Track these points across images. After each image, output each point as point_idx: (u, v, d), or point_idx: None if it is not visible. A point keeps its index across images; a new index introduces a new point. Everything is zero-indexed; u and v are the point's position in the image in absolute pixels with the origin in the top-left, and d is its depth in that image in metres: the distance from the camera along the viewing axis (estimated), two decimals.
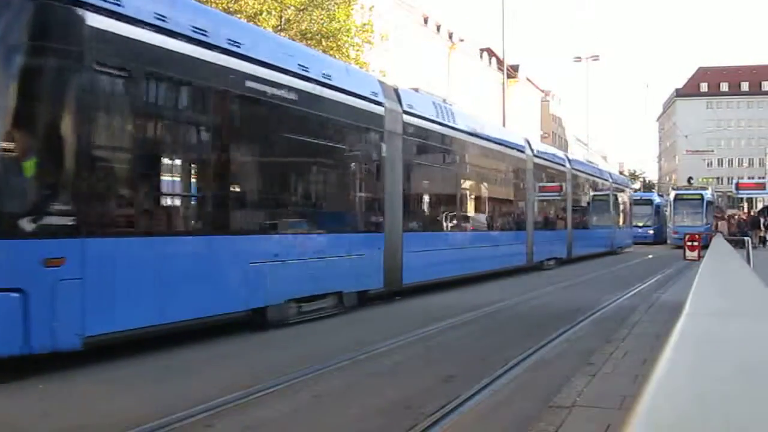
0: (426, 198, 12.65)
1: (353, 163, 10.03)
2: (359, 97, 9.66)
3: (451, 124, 12.79)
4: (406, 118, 10.99)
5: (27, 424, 4.39)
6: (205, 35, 6.85)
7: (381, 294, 10.15)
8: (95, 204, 5.86)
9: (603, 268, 18.77)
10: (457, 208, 13.56)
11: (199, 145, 7.39)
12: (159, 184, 6.76)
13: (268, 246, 7.79)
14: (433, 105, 12.38)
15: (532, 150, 17.63)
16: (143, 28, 6.17)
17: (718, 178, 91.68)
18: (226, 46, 7.11)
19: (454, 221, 13.32)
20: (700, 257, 15.73)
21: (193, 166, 7.33)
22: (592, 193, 24.15)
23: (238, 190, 7.80)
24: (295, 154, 8.62)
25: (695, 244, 18.51)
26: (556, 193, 19.76)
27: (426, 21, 50.57)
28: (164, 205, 6.95)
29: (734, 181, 34.59)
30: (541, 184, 18.52)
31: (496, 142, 15.27)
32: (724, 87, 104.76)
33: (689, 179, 40.90)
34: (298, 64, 8.32)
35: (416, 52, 42.84)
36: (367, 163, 10.26)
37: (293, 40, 16.27)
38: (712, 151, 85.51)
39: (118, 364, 5.86)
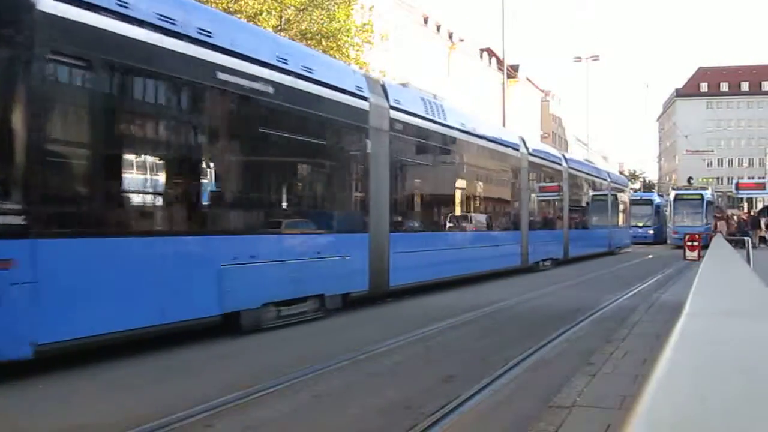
0: (415, 197, 12.31)
1: (335, 161, 9.58)
2: (342, 92, 9.27)
3: (441, 120, 12.39)
4: (393, 113, 10.63)
5: (27, 424, 4.39)
6: (171, 23, 6.49)
7: (370, 296, 9.84)
8: (48, 202, 5.51)
9: (602, 268, 18.74)
10: (448, 207, 13.30)
11: (165, 140, 6.97)
12: (120, 181, 6.36)
13: (242, 247, 7.40)
14: (422, 100, 12.01)
15: (526, 148, 17.24)
16: (103, 14, 5.81)
17: (718, 178, 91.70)
18: (195, 35, 6.76)
19: (444, 221, 13.05)
20: (700, 257, 15.75)
21: (157, 161, 6.89)
22: (589, 193, 23.85)
23: (207, 187, 7.42)
24: (271, 150, 8.28)
25: (695, 244, 18.53)
26: (552, 193, 19.49)
27: (426, 21, 50.58)
28: (125, 203, 6.55)
29: (734, 181, 34.64)
30: (536, 183, 18.23)
31: (489, 140, 14.88)
32: (724, 87, 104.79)
33: (689, 179, 40.91)
34: (276, 56, 7.96)
35: (416, 52, 42.84)
36: (350, 160, 9.94)
37: (293, 40, 16.27)
38: (712, 151, 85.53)
39: (118, 364, 5.86)
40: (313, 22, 18.97)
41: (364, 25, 19.82)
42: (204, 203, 7.36)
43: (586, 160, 29.51)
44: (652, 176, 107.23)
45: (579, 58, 49.66)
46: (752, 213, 31.67)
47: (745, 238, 16.26)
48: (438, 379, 5.46)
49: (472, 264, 13.30)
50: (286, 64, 8.06)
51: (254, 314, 7.45)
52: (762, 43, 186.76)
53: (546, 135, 69.66)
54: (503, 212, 16.38)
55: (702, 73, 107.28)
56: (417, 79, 20.70)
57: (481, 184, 14.90)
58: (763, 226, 27.51)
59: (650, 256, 25.20)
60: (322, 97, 8.80)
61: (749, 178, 55.80)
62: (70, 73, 5.83)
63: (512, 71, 52.84)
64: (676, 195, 32.81)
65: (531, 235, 16.68)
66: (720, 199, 51.97)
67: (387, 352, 6.61)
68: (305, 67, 8.47)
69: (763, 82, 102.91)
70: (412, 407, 4.57)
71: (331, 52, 18.03)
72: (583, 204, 23.28)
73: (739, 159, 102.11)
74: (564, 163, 20.67)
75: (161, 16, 6.41)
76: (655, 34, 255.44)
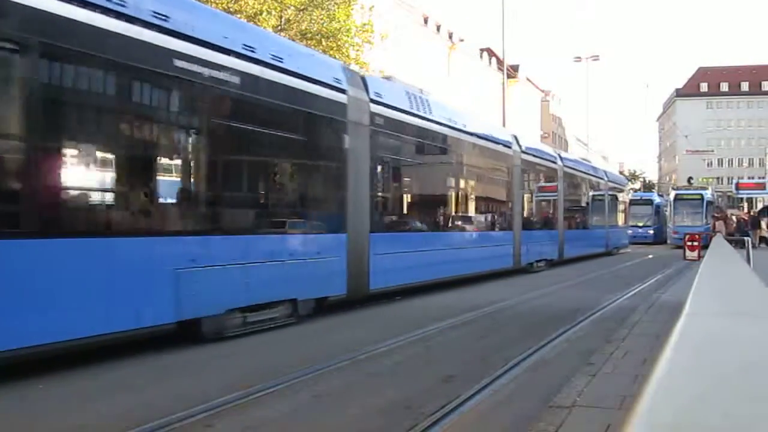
0: (398, 196, 11.80)
1: (309, 156, 8.97)
2: (317, 83, 8.71)
3: (427, 115, 11.83)
4: (374, 107, 10.09)
5: (27, 424, 4.39)
6: (122, 5, 5.95)
7: (349, 300, 9.33)
8: None
9: (601, 268, 18.71)
10: (434, 206, 12.85)
11: (114, 131, 6.40)
12: (54, 176, 5.68)
13: (202, 248, 6.83)
14: (406, 94, 11.46)
15: (519, 146, 16.69)
16: None
17: (718, 178, 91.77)
18: (149, 19, 6.21)
19: (430, 221, 12.62)
20: (700, 257, 15.75)
21: (103, 156, 6.33)
22: (585, 192, 23.39)
23: (159, 184, 6.85)
24: (236, 145, 7.80)
25: (695, 244, 18.53)
26: (547, 192, 19.04)
27: (426, 21, 50.61)
28: (60, 201, 5.75)
29: (734, 181, 34.65)
30: (530, 182, 17.79)
31: (479, 137, 14.30)
32: (724, 87, 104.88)
33: (689, 179, 40.99)
34: (243, 44, 7.45)
35: (416, 52, 42.87)
36: (326, 156, 9.36)
37: (293, 40, 16.29)
38: (712, 151, 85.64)
39: (119, 364, 5.86)
40: (313, 22, 19.00)
41: (364, 25, 19.85)
42: (155, 201, 6.82)
43: (583, 159, 29.31)
44: (652, 176, 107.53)
45: (579, 58, 49.75)
46: (752, 213, 31.66)
47: (745, 238, 16.25)
48: (438, 379, 5.46)
49: (459, 265, 12.82)
50: (253, 52, 7.58)
51: (217, 321, 6.93)
52: (762, 43, 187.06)
53: (546, 135, 69.71)
54: (494, 211, 15.84)
55: (702, 73, 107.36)
56: (417, 79, 20.64)
57: (470, 182, 14.39)
58: (764, 225, 27.48)
59: (650, 256, 25.20)
60: (295, 89, 8.27)
61: (749, 178, 55.79)
62: (2, 59, 5.32)
63: (512, 71, 52.86)
64: (676, 195, 32.84)
65: (524, 236, 16.23)
66: (720, 199, 52.01)
67: (387, 352, 6.61)
68: (275, 56, 7.96)
69: (763, 82, 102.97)
70: (412, 407, 4.57)
71: (331, 52, 18.06)
72: (580, 203, 22.90)
73: (739, 159, 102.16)
74: (559, 162, 20.13)
75: None
76: (655, 34, 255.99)
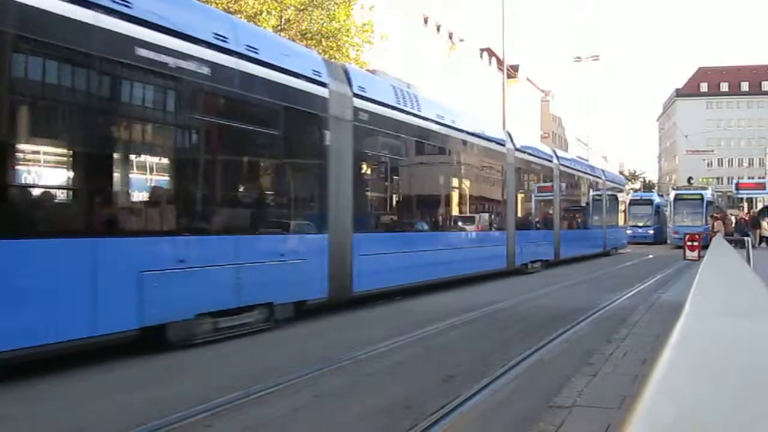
0: (383, 195, 11.38)
1: (287, 152, 8.48)
2: (296, 76, 8.32)
3: (415, 111, 11.37)
4: (358, 102, 9.66)
5: (27, 424, 4.39)
6: None
7: (331, 303, 8.91)
8: None
9: (601, 268, 18.71)
10: (422, 205, 12.44)
11: (68, 126, 6.01)
12: (12, 173, 5.31)
13: (170, 250, 6.48)
14: (392, 89, 10.97)
15: (513, 144, 16.30)
16: None
17: (718, 178, 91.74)
18: (108, 4, 5.82)
19: (418, 221, 12.17)
20: (700, 257, 15.74)
21: (58, 150, 6.00)
22: (583, 191, 23.07)
23: (121, 182, 6.42)
24: (208, 140, 7.39)
25: (695, 244, 18.52)
26: (543, 191, 18.69)
27: (426, 21, 50.58)
28: (7, 199, 5.29)
29: (734, 181, 34.62)
30: (524, 181, 17.47)
31: (470, 134, 13.82)
32: (724, 87, 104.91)
33: (689, 179, 40.99)
34: (213, 34, 7.06)
35: (416, 52, 42.84)
36: (306, 152, 8.96)
37: (293, 40, 16.29)
38: (712, 151, 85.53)
39: (118, 365, 5.86)
40: (313, 22, 19.01)
41: (364, 25, 19.85)
42: (116, 200, 6.37)
43: (581, 158, 29.18)
44: (652, 176, 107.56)
45: (579, 58, 49.97)
46: (752, 213, 31.66)
47: (745, 238, 16.25)
48: (438, 379, 5.46)
49: (449, 267, 12.41)
50: (225, 42, 7.20)
51: (184, 327, 6.51)
52: (762, 43, 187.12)
53: (546, 135, 69.71)
54: (486, 211, 15.42)
55: (702, 73, 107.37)
56: (417, 79, 20.63)
57: (461, 180, 13.95)
58: (765, 225, 27.46)
59: (650, 256, 25.20)
60: (271, 82, 7.89)
61: (749, 178, 55.76)
62: None
63: (512, 71, 52.84)
64: (676, 195, 32.88)
65: (518, 236, 15.82)
66: (720, 199, 51.98)
67: (387, 352, 6.60)
68: (249, 47, 7.58)
69: (763, 82, 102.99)
70: (412, 407, 4.57)
71: (331, 52, 18.07)
72: (576, 203, 22.58)
73: (739, 159, 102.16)
74: (555, 160, 19.76)
75: None
76: (655, 34, 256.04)
